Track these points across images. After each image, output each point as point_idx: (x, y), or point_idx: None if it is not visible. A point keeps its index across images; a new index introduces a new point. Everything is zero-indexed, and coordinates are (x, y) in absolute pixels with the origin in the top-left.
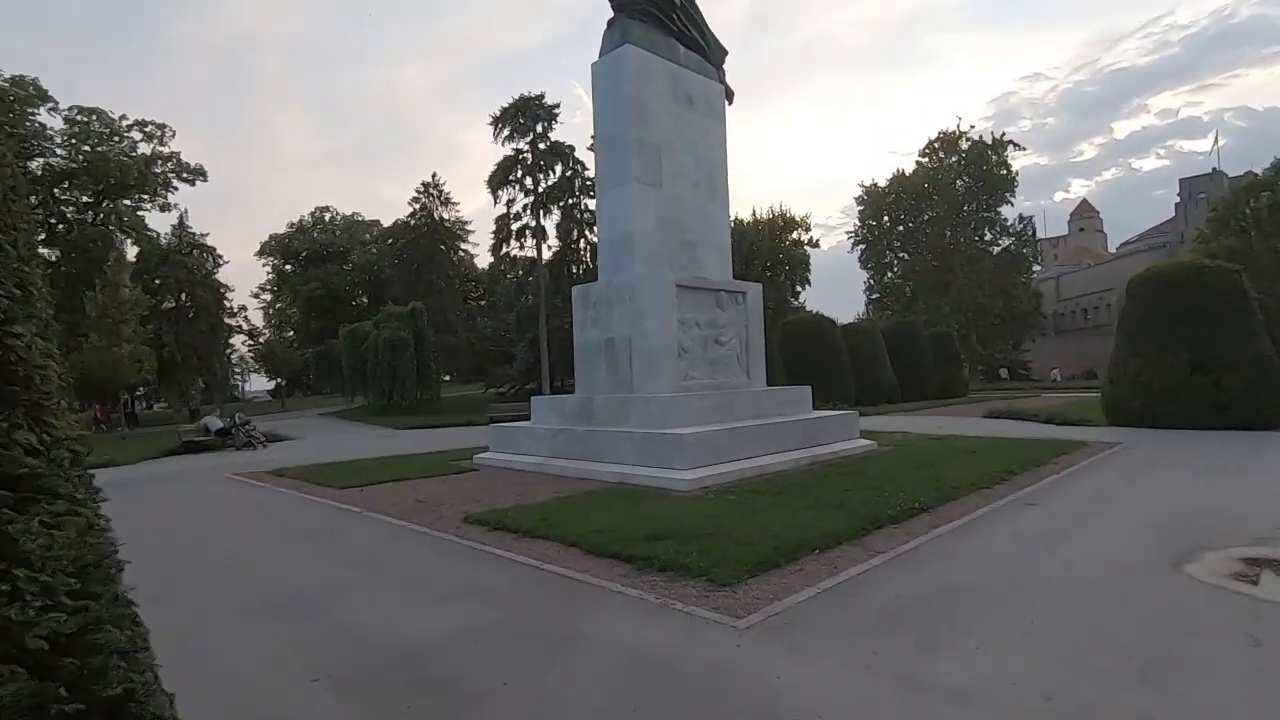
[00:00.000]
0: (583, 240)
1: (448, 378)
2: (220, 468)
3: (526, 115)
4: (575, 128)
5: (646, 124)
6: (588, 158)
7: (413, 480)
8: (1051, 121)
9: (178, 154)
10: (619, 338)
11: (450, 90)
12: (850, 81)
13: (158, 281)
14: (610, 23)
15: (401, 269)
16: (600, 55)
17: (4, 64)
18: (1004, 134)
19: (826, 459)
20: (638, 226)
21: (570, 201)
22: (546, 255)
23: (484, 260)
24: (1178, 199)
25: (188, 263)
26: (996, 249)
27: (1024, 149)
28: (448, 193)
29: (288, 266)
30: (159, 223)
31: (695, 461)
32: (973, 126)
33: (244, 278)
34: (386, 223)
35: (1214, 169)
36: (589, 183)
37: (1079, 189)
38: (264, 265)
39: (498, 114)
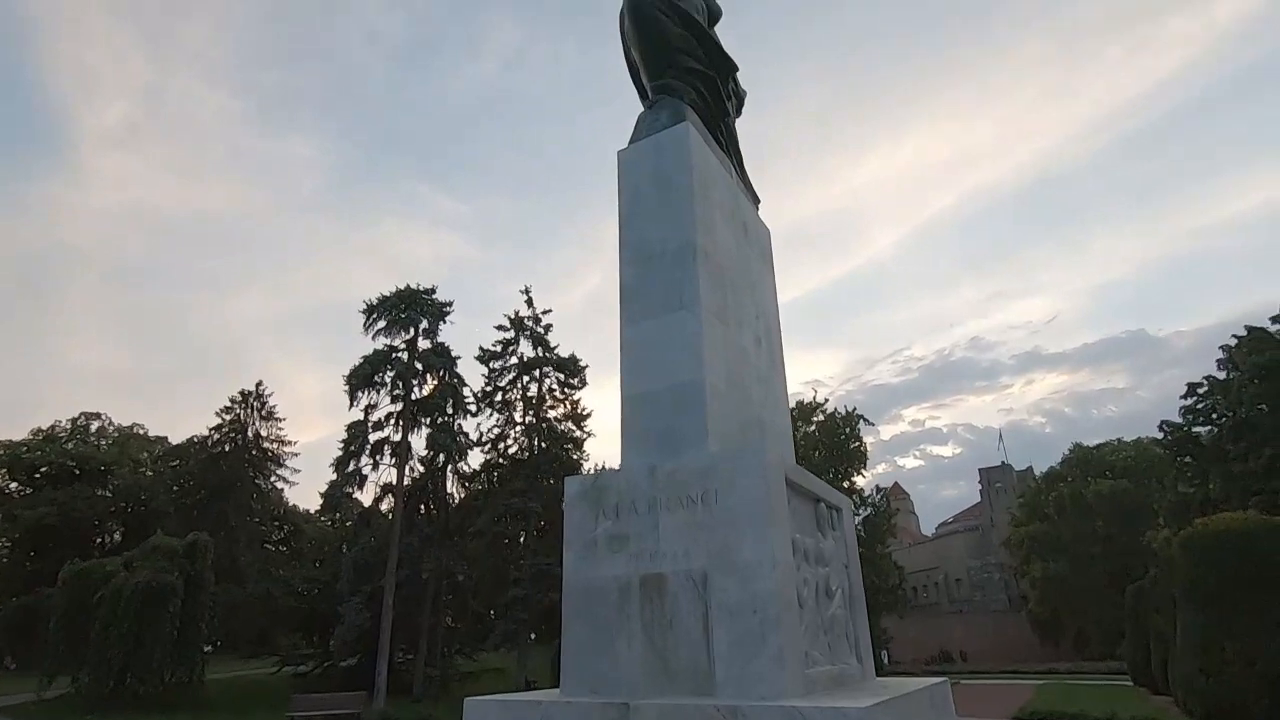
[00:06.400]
0: (450, 468)
1: (209, 648)
2: None
3: (412, 308)
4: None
5: (712, 233)
6: (468, 370)
7: None
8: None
9: None
10: (674, 574)
11: (282, 330)
12: None
13: None
14: (652, 105)
15: (183, 497)
16: (632, 142)
17: None
18: (854, 408)
19: None
20: (709, 375)
21: (441, 420)
22: (406, 483)
23: (298, 496)
24: (980, 486)
25: None
26: (858, 519)
27: (874, 424)
28: (272, 406)
29: (13, 484)
30: None
31: None
32: (827, 399)
33: None
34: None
35: (1002, 462)
36: (467, 400)
37: (859, 480)
38: None
39: (374, 301)
